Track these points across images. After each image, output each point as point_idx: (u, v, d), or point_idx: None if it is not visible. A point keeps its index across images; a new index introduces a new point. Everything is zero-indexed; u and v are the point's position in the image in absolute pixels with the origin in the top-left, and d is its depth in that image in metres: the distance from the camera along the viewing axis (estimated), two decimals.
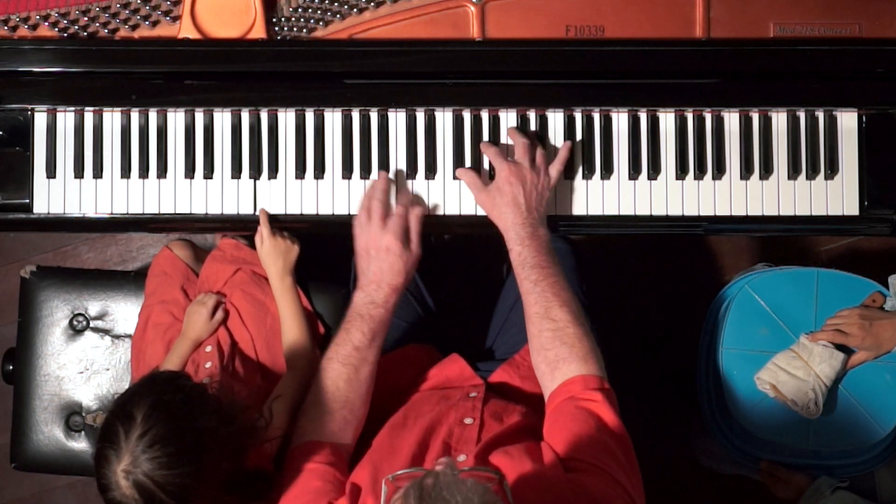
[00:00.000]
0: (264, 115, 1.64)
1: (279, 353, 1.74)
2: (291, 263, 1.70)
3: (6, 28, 1.60)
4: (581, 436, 1.31)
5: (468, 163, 1.63)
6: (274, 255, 1.68)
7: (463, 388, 1.59)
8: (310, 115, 1.64)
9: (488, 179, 1.60)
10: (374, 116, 1.64)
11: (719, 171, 1.63)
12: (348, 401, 1.49)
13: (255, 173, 1.64)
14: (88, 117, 1.63)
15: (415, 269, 1.57)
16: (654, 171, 1.64)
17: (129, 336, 1.95)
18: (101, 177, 1.63)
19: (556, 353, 1.42)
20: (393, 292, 1.54)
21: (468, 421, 1.45)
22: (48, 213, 1.64)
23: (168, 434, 1.30)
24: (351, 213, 1.63)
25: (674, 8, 1.60)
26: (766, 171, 1.63)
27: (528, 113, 1.63)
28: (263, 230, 1.65)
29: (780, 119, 1.64)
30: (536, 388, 1.63)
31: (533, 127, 1.63)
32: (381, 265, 1.54)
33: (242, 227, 1.66)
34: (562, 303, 1.46)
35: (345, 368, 1.50)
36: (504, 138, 1.63)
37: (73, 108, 1.63)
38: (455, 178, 1.63)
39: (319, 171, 1.63)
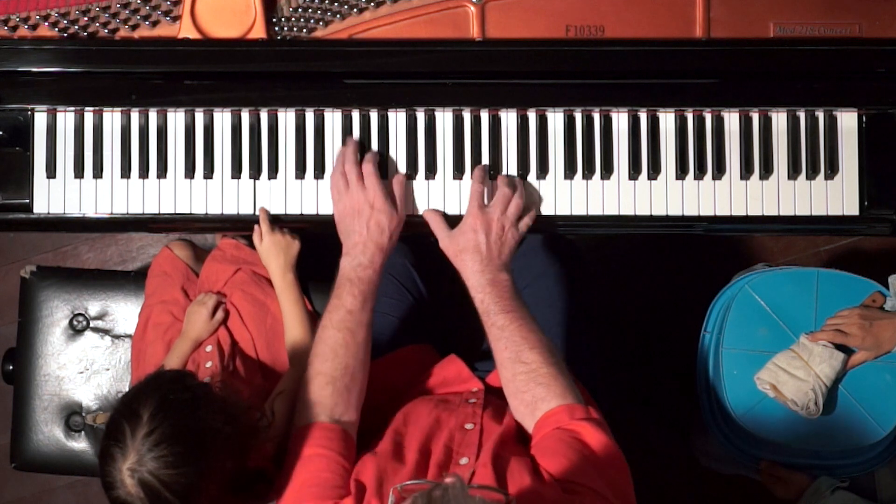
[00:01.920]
0: (264, 115, 1.64)
1: (280, 352, 1.75)
2: (292, 259, 1.70)
3: (6, 28, 1.60)
4: (574, 461, 1.30)
5: (468, 163, 1.63)
6: (274, 251, 1.68)
7: (462, 394, 1.59)
8: (310, 115, 1.64)
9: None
10: (374, 116, 1.64)
11: (719, 171, 1.63)
12: (348, 367, 1.48)
13: (255, 173, 1.64)
14: (88, 117, 1.63)
15: (399, 231, 1.56)
16: (654, 171, 1.64)
17: (129, 336, 1.95)
18: (101, 177, 1.63)
19: (532, 395, 1.41)
20: (379, 251, 1.53)
21: (469, 426, 1.45)
22: (48, 213, 1.64)
23: (174, 433, 1.30)
24: None
25: (674, 8, 1.60)
26: (766, 171, 1.63)
27: (528, 113, 1.63)
28: (263, 227, 1.64)
29: (780, 119, 1.64)
30: None
31: (533, 127, 1.63)
32: (365, 223, 1.53)
33: (242, 227, 1.66)
34: (531, 345, 1.44)
35: (341, 334, 1.49)
36: (504, 138, 1.63)
37: (73, 108, 1.63)
38: (455, 178, 1.63)
39: (319, 171, 1.63)
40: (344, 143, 1.62)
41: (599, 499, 1.26)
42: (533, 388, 1.41)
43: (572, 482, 1.27)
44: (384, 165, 1.63)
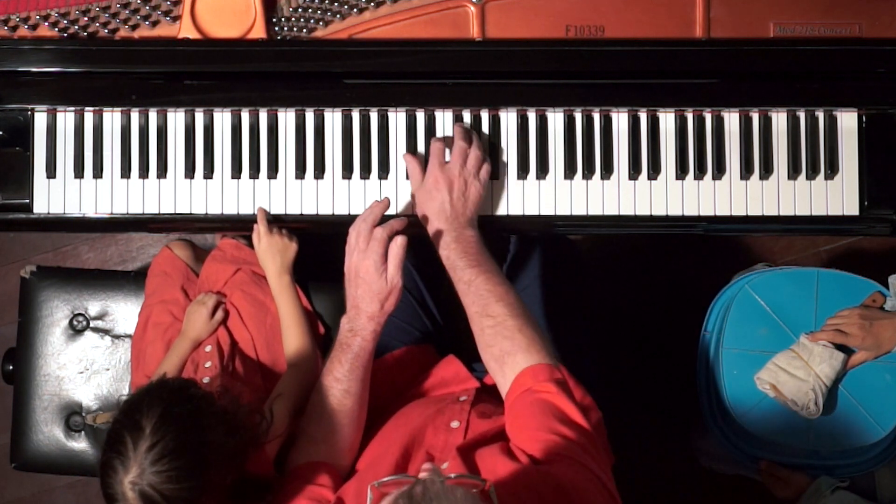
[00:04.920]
0: (264, 115, 1.64)
1: (279, 353, 1.75)
2: (289, 261, 1.70)
3: (6, 28, 1.60)
4: (541, 427, 1.30)
5: None
6: (271, 252, 1.67)
7: (454, 393, 1.58)
8: (310, 115, 1.64)
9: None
10: (374, 116, 1.64)
11: (719, 171, 1.63)
12: (335, 430, 1.48)
13: (255, 173, 1.64)
14: (88, 117, 1.63)
15: (394, 300, 1.50)
16: (654, 171, 1.64)
17: (129, 336, 1.95)
18: (101, 177, 1.63)
19: (499, 349, 1.42)
20: (369, 320, 1.49)
21: (455, 424, 1.44)
22: (48, 213, 1.64)
23: (176, 447, 1.30)
24: (351, 213, 1.63)
25: (674, 8, 1.60)
26: (766, 171, 1.63)
27: (528, 113, 1.63)
28: (261, 227, 1.64)
29: (780, 119, 1.64)
30: None
31: (533, 127, 1.63)
32: (356, 290, 1.50)
33: (242, 227, 1.66)
34: (497, 298, 1.44)
35: (327, 400, 1.49)
36: (504, 138, 1.63)
37: (73, 108, 1.63)
38: None
39: (319, 171, 1.63)
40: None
41: (571, 462, 1.26)
42: (499, 342, 1.42)
43: (542, 451, 1.28)
44: (385, 165, 1.63)
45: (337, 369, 1.49)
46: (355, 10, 1.60)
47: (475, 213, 1.55)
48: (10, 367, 2.00)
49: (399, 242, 1.48)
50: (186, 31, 1.60)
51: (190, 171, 1.63)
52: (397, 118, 1.64)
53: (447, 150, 1.58)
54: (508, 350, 1.41)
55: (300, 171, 1.64)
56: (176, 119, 1.63)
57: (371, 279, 1.48)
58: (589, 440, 1.31)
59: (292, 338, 1.71)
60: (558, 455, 1.27)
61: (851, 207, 1.63)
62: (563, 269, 1.85)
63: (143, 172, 1.63)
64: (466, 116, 1.63)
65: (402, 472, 1.36)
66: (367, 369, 1.51)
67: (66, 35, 1.59)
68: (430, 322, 1.87)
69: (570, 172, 1.63)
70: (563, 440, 1.29)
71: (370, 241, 1.48)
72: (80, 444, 1.97)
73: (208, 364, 1.71)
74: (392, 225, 1.50)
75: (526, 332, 1.42)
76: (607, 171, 1.63)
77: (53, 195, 1.63)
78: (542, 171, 1.63)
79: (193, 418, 1.34)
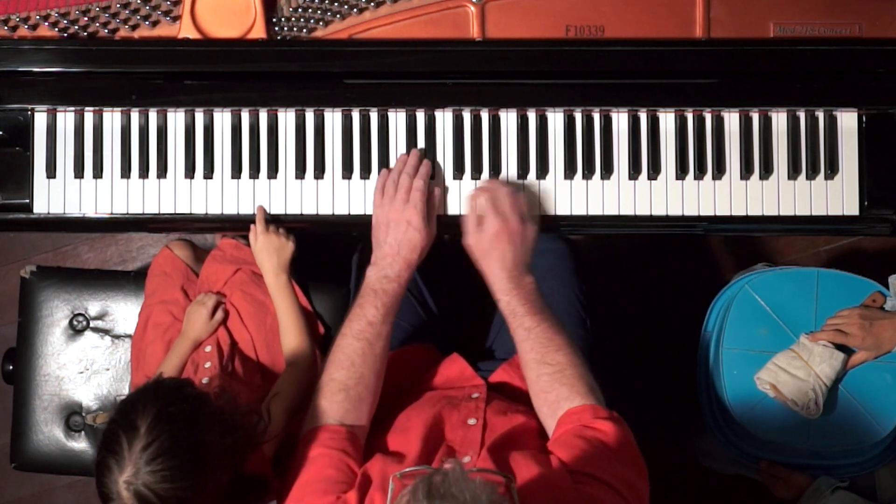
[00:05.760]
0: (264, 115, 1.64)
1: (279, 353, 1.75)
2: (286, 261, 1.70)
3: (6, 28, 1.60)
4: (589, 453, 1.31)
5: (468, 163, 1.63)
6: (267, 251, 1.67)
7: (464, 389, 1.59)
8: (310, 115, 1.64)
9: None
10: (374, 116, 1.64)
11: (719, 171, 1.63)
12: (363, 377, 1.48)
13: (255, 173, 1.64)
14: (88, 117, 1.63)
15: (428, 249, 1.56)
16: (654, 171, 1.64)
17: (129, 336, 1.95)
18: (101, 177, 1.63)
19: (556, 395, 1.42)
20: (406, 267, 1.54)
21: (471, 422, 1.45)
22: (48, 213, 1.64)
23: (171, 447, 1.29)
24: (351, 213, 1.64)
25: (674, 8, 1.60)
26: (766, 171, 1.63)
27: (528, 113, 1.63)
28: (257, 226, 1.64)
29: (780, 119, 1.64)
30: None
31: (533, 127, 1.63)
32: (399, 237, 1.54)
33: (242, 227, 1.66)
34: (557, 347, 1.46)
35: (359, 343, 1.49)
36: (504, 138, 1.63)
37: (73, 108, 1.63)
38: (455, 178, 1.63)
39: (319, 171, 1.63)
40: (408, 151, 1.62)
41: (609, 490, 1.26)
42: (557, 388, 1.42)
43: (585, 473, 1.28)
44: (385, 164, 1.63)
45: (371, 314, 1.51)
46: (355, 10, 1.60)
47: (530, 258, 1.56)
48: (10, 367, 2.00)
49: (436, 193, 1.58)
50: (186, 31, 1.60)
51: (190, 171, 1.63)
52: (397, 118, 1.64)
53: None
54: (566, 396, 1.41)
55: (300, 171, 1.64)
56: (176, 119, 1.63)
57: (419, 226, 1.54)
58: (640, 481, 1.33)
59: (290, 337, 1.71)
60: (600, 481, 1.27)
61: (851, 207, 1.63)
62: (563, 269, 1.85)
63: (143, 172, 1.63)
64: (466, 116, 1.63)
65: (425, 463, 1.37)
66: (394, 315, 1.55)
67: (66, 35, 1.60)
68: (431, 321, 1.87)
69: (570, 172, 1.63)
70: (609, 469, 1.29)
71: (411, 191, 1.55)
72: (80, 444, 1.97)
73: (208, 364, 1.71)
74: (423, 175, 1.57)
75: (585, 381, 1.43)
76: (607, 171, 1.63)
77: (53, 195, 1.63)
78: (542, 171, 1.63)
79: (189, 418, 1.34)
